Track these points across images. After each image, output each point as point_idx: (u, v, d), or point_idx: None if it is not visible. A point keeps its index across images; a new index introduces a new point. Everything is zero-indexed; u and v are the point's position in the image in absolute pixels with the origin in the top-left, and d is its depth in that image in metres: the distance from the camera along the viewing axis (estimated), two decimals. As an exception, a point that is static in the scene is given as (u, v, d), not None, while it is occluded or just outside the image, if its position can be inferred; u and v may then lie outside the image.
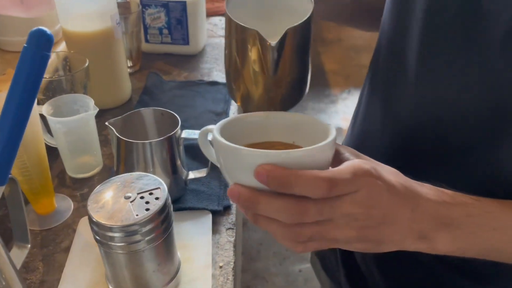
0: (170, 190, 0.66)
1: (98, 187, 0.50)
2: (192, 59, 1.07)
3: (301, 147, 0.44)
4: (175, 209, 0.66)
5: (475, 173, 0.48)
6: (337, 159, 0.41)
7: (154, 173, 0.64)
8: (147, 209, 0.47)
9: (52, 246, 0.62)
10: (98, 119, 0.86)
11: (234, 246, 0.63)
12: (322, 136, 0.41)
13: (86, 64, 0.75)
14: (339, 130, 2.55)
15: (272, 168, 0.36)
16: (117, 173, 0.66)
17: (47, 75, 0.79)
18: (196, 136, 0.65)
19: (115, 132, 0.62)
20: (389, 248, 0.40)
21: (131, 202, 0.48)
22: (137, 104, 0.90)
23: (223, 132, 0.42)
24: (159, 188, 0.50)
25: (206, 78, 1.00)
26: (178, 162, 0.66)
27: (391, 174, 0.39)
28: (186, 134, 0.65)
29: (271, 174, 0.36)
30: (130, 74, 1.00)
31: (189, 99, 0.92)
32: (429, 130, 0.50)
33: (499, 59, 0.42)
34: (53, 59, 0.78)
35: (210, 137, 0.47)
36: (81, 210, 0.68)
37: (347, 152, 0.41)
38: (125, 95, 0.91)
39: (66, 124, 0.67)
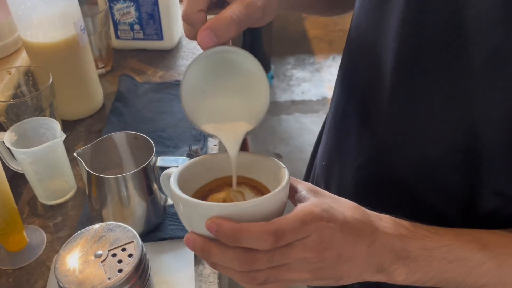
0: (147, 219, 0.63)
1: (65, 244, 0.47)
2: (168, 55, 1.01)
3: (262, 183, 0.46)
4: (154, 240, 0.63)
5: (455, 195, 0.47)
6: (294, 198, 0.42)
7: (129, 204, 0.60)
8: (120, 270, 0.44)
9: (26, 288, 0.59)
10: (70, 132, 0.82)
11: (219, 278, 0.60)
12: (279, 177, 0.42)
13: (50, 81, 0.70)
14: (324, 100, 2.51)
15: (221, 222, 0.37)
16: (90, 206, 0.62)
17: (8, 92, 0.73)
18: (173, 164, 0.61)
19: (85, 166, 0.58)
20: (349, 281, 0.41)
21: (102, 262, 0.45)
22: (110, 113, 0.84)
23: (184, 174, 0.44)
24: (132, 242, 0.47)
25: (183, 78, 0.95)
26: (155, 188, 0.62)
27: (348, 211, 0.40)
28: (162, 162, 0.61)
29: (219, 229, 0.37)
30: (102, 76, 0.95)
31: (166, 104, 0.87)
32: (405, 149, 0.49)
33: (478, 86, 0.41)
34: (14, 74, 0.72)
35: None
36: (55, 243, 0.64)
37: (304, 190, 0.42)
38: (97, 103, 0.86)
39: (32, 155, 0.62)
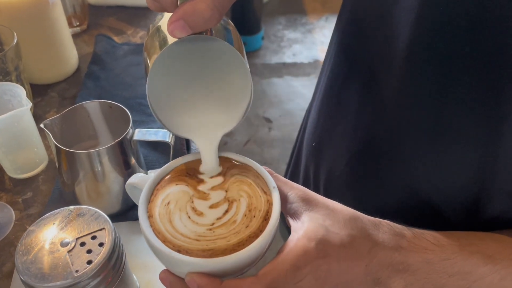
0: (125, 196, 0.58)
1: (29, 229, 0.41)
2: (150, 12, 0.93)
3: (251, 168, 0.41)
4: (133, 218, 0.58)
5: (460, 195, 0.43)
6: (285, 208, 0.39)
7: (104, 180, 0.55)
8: (90, 262, 0.39)
9: (-8, 271, 0.54)
10: (41, 98, 0.75)
11: (202, 260, 0.56)
12: (268, 186, 0.39)
13: (15, 41, 0.62)
14: (316, 63, 2.43)
15: (202, 281, 0.34)
16: (62, 182, 0.57)
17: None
18: (152, 138, 0.55)
19: (53, 140, 0.52)
20: None
21: (69, 252, 0.39)
22: (85, 77, 0.77)
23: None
24: (103, 229, 0.41)
25: (166, 39, 0.87)
26: (133, 163, 0.57)
27: (344, 227, 0.37)
28: (140, 135, 0.55)
29: None
30: (76, 35, 0.87)
31: (146, 68, 0.80)
32: (413, 125, 0.43)
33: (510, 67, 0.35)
34: (-26, 33, 0.65)
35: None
36: (24, 221, 0.59)
37: (295, 201, 0.38)
38: (71, 66, 0.78)
39: (-6, 125, 0.56)
